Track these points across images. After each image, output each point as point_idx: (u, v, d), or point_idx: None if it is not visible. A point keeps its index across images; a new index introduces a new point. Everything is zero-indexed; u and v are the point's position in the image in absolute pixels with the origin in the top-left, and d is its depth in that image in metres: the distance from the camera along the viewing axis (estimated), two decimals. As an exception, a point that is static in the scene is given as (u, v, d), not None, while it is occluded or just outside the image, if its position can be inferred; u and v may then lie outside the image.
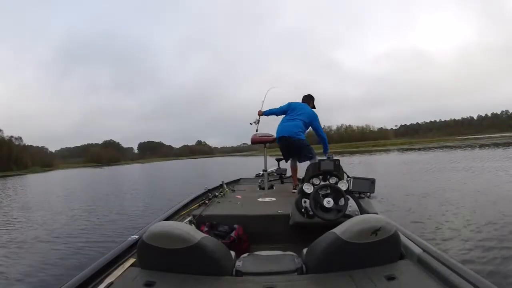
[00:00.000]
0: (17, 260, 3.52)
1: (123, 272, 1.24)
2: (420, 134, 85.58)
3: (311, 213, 1.93)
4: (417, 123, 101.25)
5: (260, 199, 2.86)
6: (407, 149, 30.35)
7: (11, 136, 66.00)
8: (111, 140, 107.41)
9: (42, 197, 10.46)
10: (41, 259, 3.48)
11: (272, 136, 3.48)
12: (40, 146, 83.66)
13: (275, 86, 3.76)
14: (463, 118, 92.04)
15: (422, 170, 10.17)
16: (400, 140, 71.17)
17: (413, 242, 1.37)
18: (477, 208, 4.46)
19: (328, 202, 1.85)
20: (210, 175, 14.83)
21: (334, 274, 1.14)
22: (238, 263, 1.30)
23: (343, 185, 2.03)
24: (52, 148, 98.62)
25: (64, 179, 23.01)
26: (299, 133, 3.12)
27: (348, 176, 2.31)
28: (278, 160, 4.28)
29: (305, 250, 1.35)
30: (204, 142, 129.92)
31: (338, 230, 1.18)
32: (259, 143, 3.55)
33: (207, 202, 2.68)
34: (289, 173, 3.75)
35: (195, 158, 74.24)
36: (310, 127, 3.31)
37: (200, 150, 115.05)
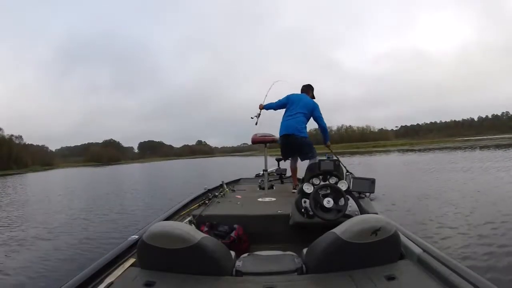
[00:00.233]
0: (18, 258, 3.53)
1: (123, 272, 1.24)
2: (420, 135, 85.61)
3: (311, 213, 1.93)
4: (418, 124, 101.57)
5: (260, 199, 2.86)
6: (407, 150, 30.35)
7: (11, 135, 66.24)
8: (112, 139, 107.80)
9: (42, 196, 10.47)
10: (41, 257, 3.49)
11: (272, 136, 3.48)
12: (40, 145, 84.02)
13: (280, 80, 3.70)
14: (463, 120, 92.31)
15: (422, 170, 10.17)
16: (400, 141, 71.24)
17: (413, 242, 1.37)
18: (477, 209, 4.46)
19: (328, 202, 1.85)
20: (210, 175, 14.82)
21: (334, 274, 1.14)
22: (238, 263, 1.30)
23: (343, 185, 2.03)
24: (53, 147, 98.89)
25: (64, 178, 23.03)
26: (302, 130, 3.09)
27: (347, 171, 2.31)
28: (278, 160, 4.28)
29: (305, 250, 1.35)
30: (204, 142, 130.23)
31: (338, 230, 1.18)
32: (260, 143, 3.55)
33: (207, 202, 2.68)
34: (289, 173, 3.74)
35: (195, 158, 74.26)
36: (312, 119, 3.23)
37: (200, 150, 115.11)
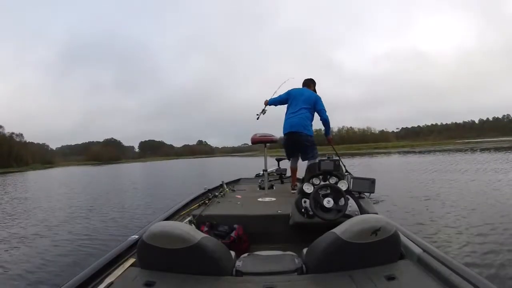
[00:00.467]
0: (18, 257, 3.53)
1: (123, 272, 1.24)
2: (421, 137, 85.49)
3: (311, 213, 1.93)
4: (418, 126, 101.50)
5: (260, 199, 2.86)
6: (408, 152, 30.32)
7: (12, 133, 66.22)
8: (112, 138, 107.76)
9: (43, 194, 10.48)
10: (41, 256, 3.48)
11: (272, 136, 3.47)
12: (41, 143, 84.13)
13: (293, 77, 3.60)
14: (464, 122, 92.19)
15: (423, 172, 10.16)
16: (401, 142, 71.22)
17: (413, 242, 1.37)
18: (477, 209, 4.46)
19: (328, 202, 1.86)
20: (210, 175, 14.83)
21: (334, 274, 1.14)
22: (238, 263, 1.30)
23: (343, 185, 2.03)
24: (53, 145, 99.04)
25: (65, 176, 23.03)
26: (307, 127, 3.04)
27: (346, 171, 2.31)
28: (278, 160, 4.28)
29: (305, 250, 1.35)
30: (205, 142, 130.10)
31: (338, 230, 1.18)
32: (259, 143, 3.54)
33: (207, 202, 2.68)
34: (289, 173, 3.74)
35: (196, 157, 74.25)
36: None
37: (200, 150, 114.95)
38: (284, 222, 2.14)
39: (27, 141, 72.09)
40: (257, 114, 3.43)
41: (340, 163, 2.30)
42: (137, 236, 1.55)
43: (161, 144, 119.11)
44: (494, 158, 14.00)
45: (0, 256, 3.60)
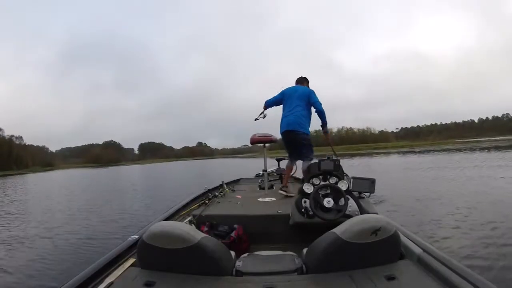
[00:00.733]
0: (18, 257, 3.53)
1: (123, 272, 1.24)
2: (421, 137, 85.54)
3: (311, 213, 1.93)
4: (418, 126, 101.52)
5: (260, 199, 2.86)
6: (408, 152, 30.33)
7: (12, 135, 66.31)
8: (112, 140, 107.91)
9: (43, 196, 10.47)
10: (41, 256, 3.48)
11: (271, 136, 3.47)
12: (40, 145, 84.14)
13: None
14: (464, 121, 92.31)
15: (423, 171, 10.16)
16: (401, 142, 71.33)
17: (413, 242, 1.37)
18: (477, 209, 4.45)
19: (328, 202, 1.86)
20: (210, 175, 14.83)
21: (334, 274, 1.14)
22: (238, 263, 1.30)
23: (343, 185, 2.03)
24: (53, 148, 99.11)
25: (65, 179, 23.02)
26: (303, 125, 3.00)
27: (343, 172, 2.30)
28: (278, 160, 4.28)
29: (305, 250, 1.35)
30: (204, 143, 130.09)
31: (338, 230, 1.18)
32: (258, 143, 3.54)
33: (207, 202, 2.68)
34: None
35: (196, 159, 74.24)
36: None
37: (200, 151, 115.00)
38: (284, 222, 2.14)
39: (27, 144, 72.27)
40: (256, 119, 3.38)
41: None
42: (137, 236, 1.55)
43: (161, 146, 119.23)
44: (493, 157, 14.01)
45: (1, 257, 3.60)
